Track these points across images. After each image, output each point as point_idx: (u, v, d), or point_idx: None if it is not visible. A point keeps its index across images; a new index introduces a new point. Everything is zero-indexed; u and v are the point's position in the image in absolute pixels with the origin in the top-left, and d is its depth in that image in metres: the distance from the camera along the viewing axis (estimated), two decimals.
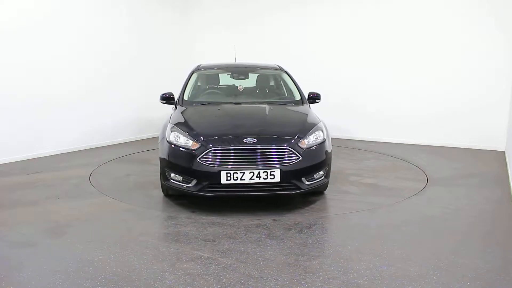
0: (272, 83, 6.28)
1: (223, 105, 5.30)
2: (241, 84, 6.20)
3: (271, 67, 6.37)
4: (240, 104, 5.46)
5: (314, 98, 5.72)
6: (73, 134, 7.66)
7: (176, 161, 4.49)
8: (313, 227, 4.11)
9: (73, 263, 3.30)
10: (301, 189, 4.44)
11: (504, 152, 7.47)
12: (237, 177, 4.22)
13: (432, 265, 3.26)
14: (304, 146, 4.47)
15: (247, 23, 9.86)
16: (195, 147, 4.38)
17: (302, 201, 4.84)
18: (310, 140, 4.58)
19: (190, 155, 4.37)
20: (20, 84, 6.76)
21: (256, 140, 4.35)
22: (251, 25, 9.81)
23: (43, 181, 5.68)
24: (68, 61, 7.50)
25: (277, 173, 4.26)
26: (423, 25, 8.10)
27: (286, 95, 5.94)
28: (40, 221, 4.22)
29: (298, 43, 9.32)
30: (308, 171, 4.47)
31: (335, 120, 8.85)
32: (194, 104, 5.47)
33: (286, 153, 4.35)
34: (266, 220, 4.23)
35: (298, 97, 5.73)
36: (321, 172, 4.64)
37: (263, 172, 4.23)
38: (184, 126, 4.71)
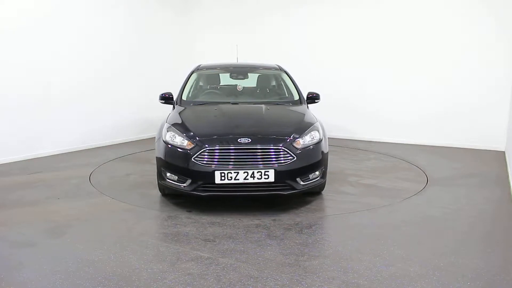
0: (271, 83, 6.26)
1: (220, 105, 5.31)
2: (240, 84, 6.19)
3: (271, 67, 6.36)
4: (238, 104, 5.46)
5: (313, 98, 5.71)
6: (73, 134, 7.66)
7: (172, 161, 4.51)
8: (313, 227, 4.11)
9: (73, 263, 3.30)
10: (296, 189, 4.42)
11: (504, 152, 7.47)
12: (231, 177, 4.22)
13: (432, 265, 3.26)
14: (299, 146, 4.46)
15: (247, 23, 9.86)
16: (190, 147, 4.40)
17: (302, 202, 4.83)
18: (306, 140, 4.56)
19: (185, 154, 4.38)
20: (20, 84, 6.76)
21: (250, 140, 4.35)
22: (251, 25, 9.80)
23: (43, 181, 5.68)
24: (68, 61, 7.50)
25: (271, 173, 4.25)
26: (423, 25, 8.10)
27: (285, 95, 5.93)
28: (40, 221, 4.22)
29: (298, 43, 9.32)
30: (303, 171, 4.45)
31: (335, 120, 8.87)
32: (192, 104, 5.49)
33: (280, 153, 4.34)
34: (266, 220, 4.23)
35: (296, 97, 5.73)
36: (317, 173, 4.62)
37: (257, 172, 4.23)
38: (180, 126, 4.73)
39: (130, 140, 8.79)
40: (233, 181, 4.23)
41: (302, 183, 4.46)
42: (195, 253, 3.49)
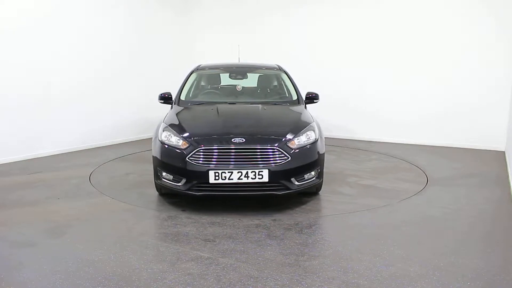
0: (271, 83, 6.26)
1: (217, 105, 5.30)
2: (240, 84, 6.19)
3: (270, 67, 6.36)
4: (235, 104, 5.46)
5: (312, 98, 5.69)
6: (73, 134, 7.66)
7: (167, 160, 4.53)
8: (313, 227, 4.11)
9: (73, 263, 3.30)
10: (291, 189, 4.41)
11: (504, 152, 7.47)
12: (225, 177, 4.23)
13: (432, 265, 3.27)
14: (294, 146, 4.44)
15: (247, 23, 9.86)
16: (184, 147, 4.41)
17: (302, 202, 4.83)
18: (301, 140, 4.54)
19: (180, 154, 4.39)
20: (20, 84, 6.76)
21: (244, 140, 4.34)
22: (251, 25, 9.80)
23: (43, 181, 5.68)
24: (68, 61, 7.50)
25: (265, 173, 4.24)
26: (423, 25, 8.10)
27: (285, 95, 5.92)
28: (40, 221, 4.22)
29: (298, 43, 9.32)
30: (298, 171, 4.43)
31: (335, 120, 8.87)
32: (189, 104, 5.49)
33: (275, 153, 4.33)
34: (266, 220, 4.23)
35: (295, 97, 5.72)
36: (313, 173, 4.60)
37: (251, 172, 4.23)
38: (175, 125, 4.75)
39: (130, 140, 8.79)
40: (227, 180, 4.24)
41: (297, 183, 4.44)
42: (195, 253, 3.49)
